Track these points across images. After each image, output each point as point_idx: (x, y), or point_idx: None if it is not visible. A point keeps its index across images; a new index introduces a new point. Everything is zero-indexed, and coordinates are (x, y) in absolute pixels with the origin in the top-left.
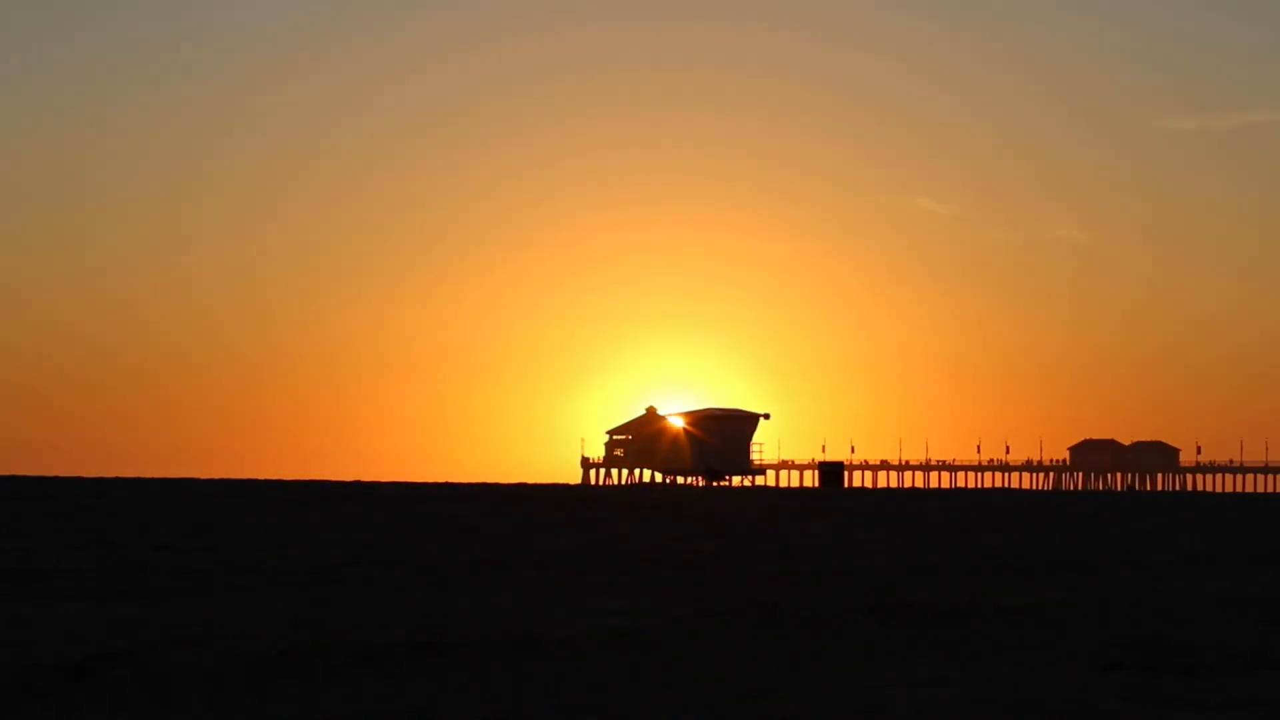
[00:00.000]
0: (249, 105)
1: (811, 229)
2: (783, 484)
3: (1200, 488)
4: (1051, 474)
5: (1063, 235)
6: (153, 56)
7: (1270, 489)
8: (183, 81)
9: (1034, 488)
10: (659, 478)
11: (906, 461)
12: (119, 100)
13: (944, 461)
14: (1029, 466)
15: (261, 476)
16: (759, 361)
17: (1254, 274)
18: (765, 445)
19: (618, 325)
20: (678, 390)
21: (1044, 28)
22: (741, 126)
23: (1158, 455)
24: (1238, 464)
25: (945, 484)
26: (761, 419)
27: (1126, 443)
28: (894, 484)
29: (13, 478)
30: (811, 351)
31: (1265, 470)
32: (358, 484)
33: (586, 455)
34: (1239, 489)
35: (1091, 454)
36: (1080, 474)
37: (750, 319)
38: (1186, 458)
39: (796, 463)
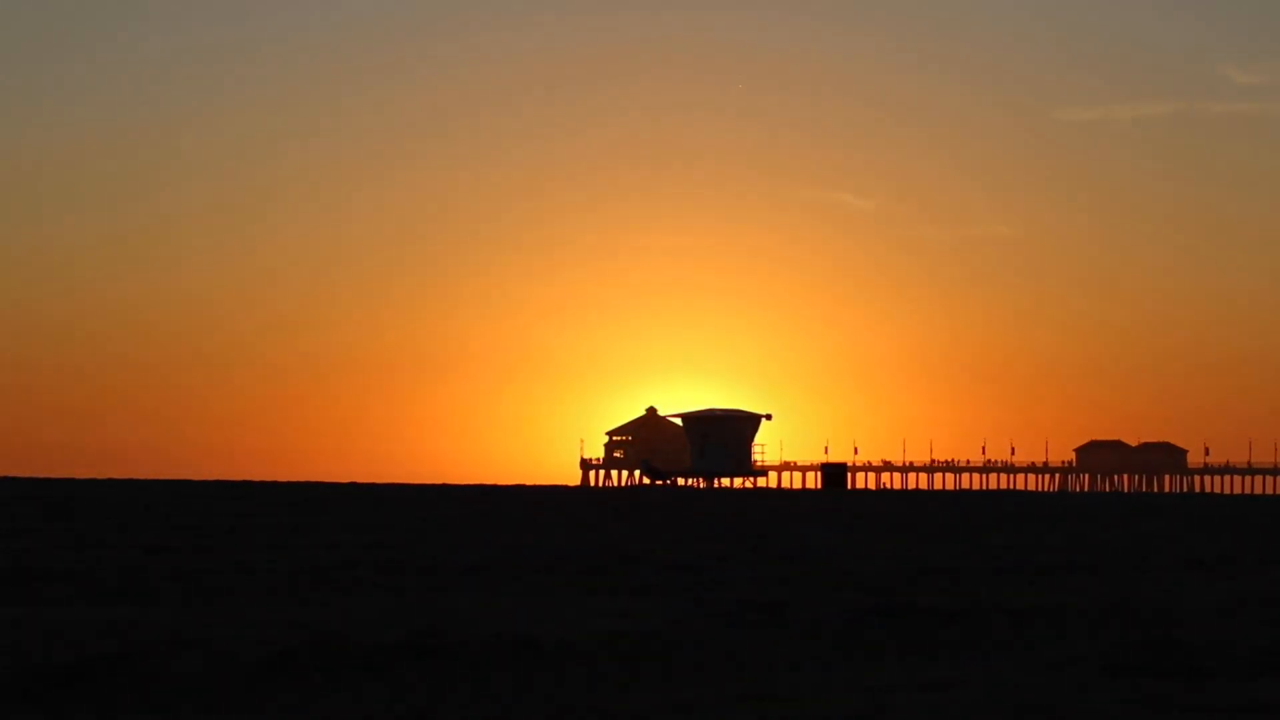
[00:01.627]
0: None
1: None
2: (785, 486)
3: (1208, 489)
4: (1057, 475)
5: (996, 232)
6: (195, 62)
7: None
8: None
9: (1039, 489)
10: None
11: (910, 463)
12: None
13: (948, 463)
14: (1034, 468)
15: (257, 478)
16: (760, 361)
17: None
18: (767, 446)
19: (618, 324)
20: (678, 390)
21: (952, 20)
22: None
23: (1165, 456)
24: (1247, 465)
25: (949, 486)
26: (763, 420)
27: (1133, 444)
28: (897, 485)
29: (5, 479)
30: (814, 352)
31: (1275, 472)
32: (354, 485)
33: (586, 456)
34: (1248, 490)
35: (1098, 455)
36: (1086, 475)
37: (752, 318)
38: (1194, 459)
39: (799, 464)
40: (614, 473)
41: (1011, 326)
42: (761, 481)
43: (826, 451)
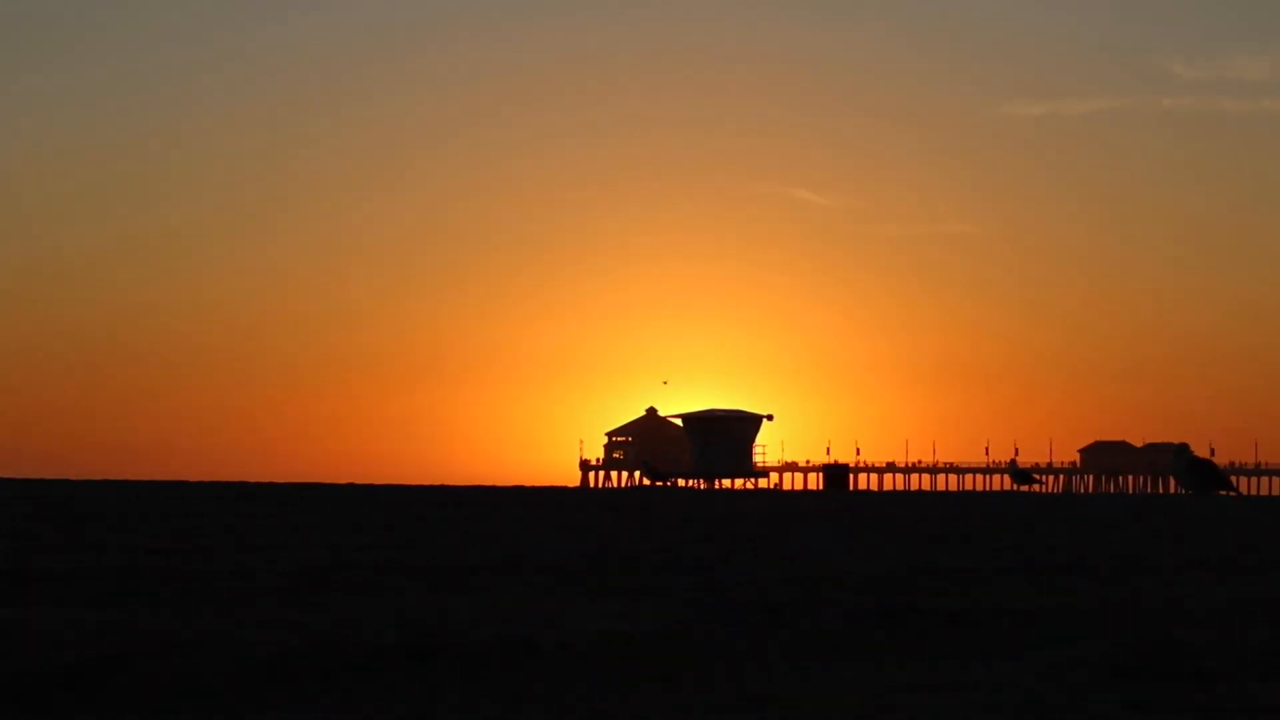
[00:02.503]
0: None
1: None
2: (786, 486)
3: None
4: (1062, 476)
5: (955, 228)
6: (226, 62)
7: None
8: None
9: (1044, 490)
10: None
11: (913, 463)
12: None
13: (951, 463)
14: (1038, 468)
15: (253, 478)
16: (762, 361)
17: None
18: (768, 447)
19: (617, 324)
20: (678, 390)
21: (902, 15)
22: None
23: (1171, 457)
24: (1253, 466)
25: (953, 486)
26: (764, 420)
27: (1139, 444)
28: (900, 486)
29: (0, 480)
30: (816, 351)
31: None
32: (351, 486)
33: (585, 457)
34: (1255, 491)
35: (1103, 456)
36: (1091, 476)
37: (754, 317)
38: None
39: (800, 465)
40: (614, 474)
41: (1015, 326)
42: (763, 482)
43: (828, 452)
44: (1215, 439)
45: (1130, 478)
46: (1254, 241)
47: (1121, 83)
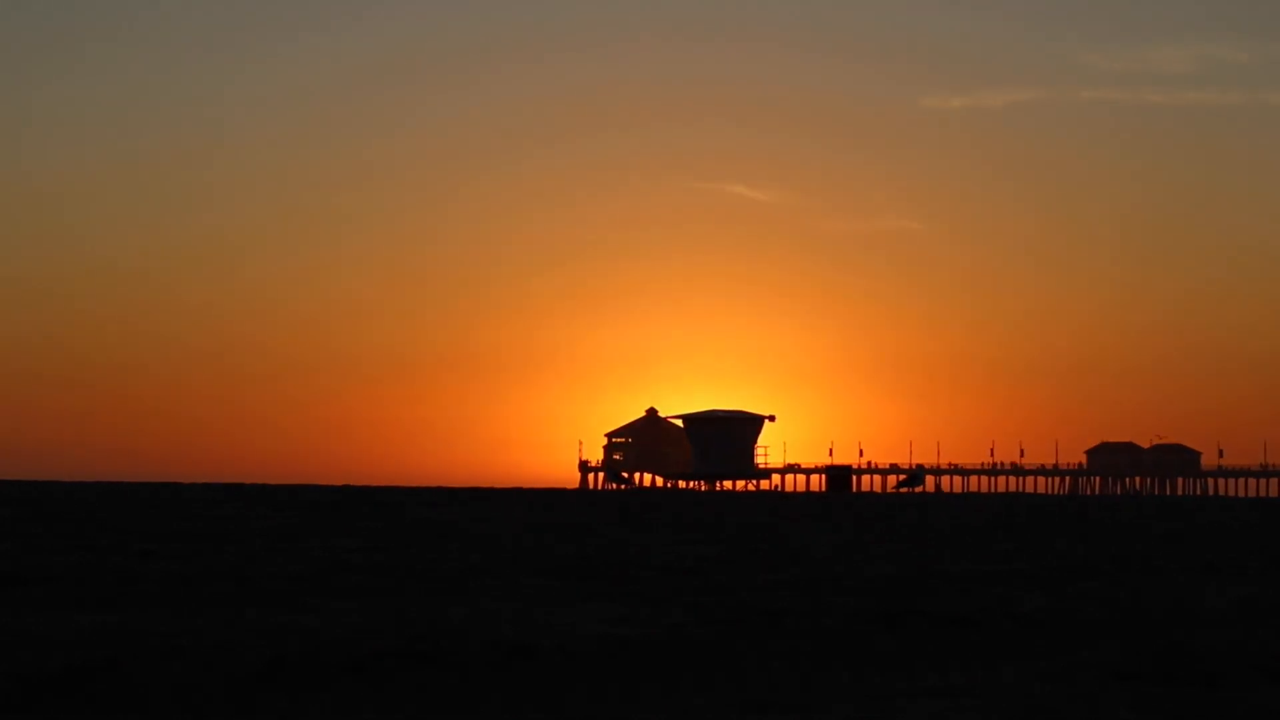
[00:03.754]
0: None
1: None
2: (788, 488)
3: (1222, 492)
4: (1067, 478)
5: (894, 224)
6: (270, 70)
7: None
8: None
9: (1049, 492)
10: (660, 481)
11: (918, 465)
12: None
13: (956, 465)
14: (1044, 470)
15: (247, 480)
16: (764, 361)
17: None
18: (770, 448)
19: (617, 323)
20: (679, 391)
21: (825, 12)
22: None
23: (1178, 458)
24: (1261, 467)
25: (957, 488)
26: (766, 421)
27: (1145, 445)
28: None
29: None
30: (818, 351)
31: None
32: (347, 488)
33: (585, 458)
34: (1263, 494)
35: (1109, 457)
36: (1097, 477)
37: (756, 316)
38: (1208, 461)
39: (803, 466)
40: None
41: (1021, 326)
42: (764, 484)
43: (831, 454)
44: (1222, 441)
45: (1137, 479)
46: (1198, 234)
47: (1040, 74)
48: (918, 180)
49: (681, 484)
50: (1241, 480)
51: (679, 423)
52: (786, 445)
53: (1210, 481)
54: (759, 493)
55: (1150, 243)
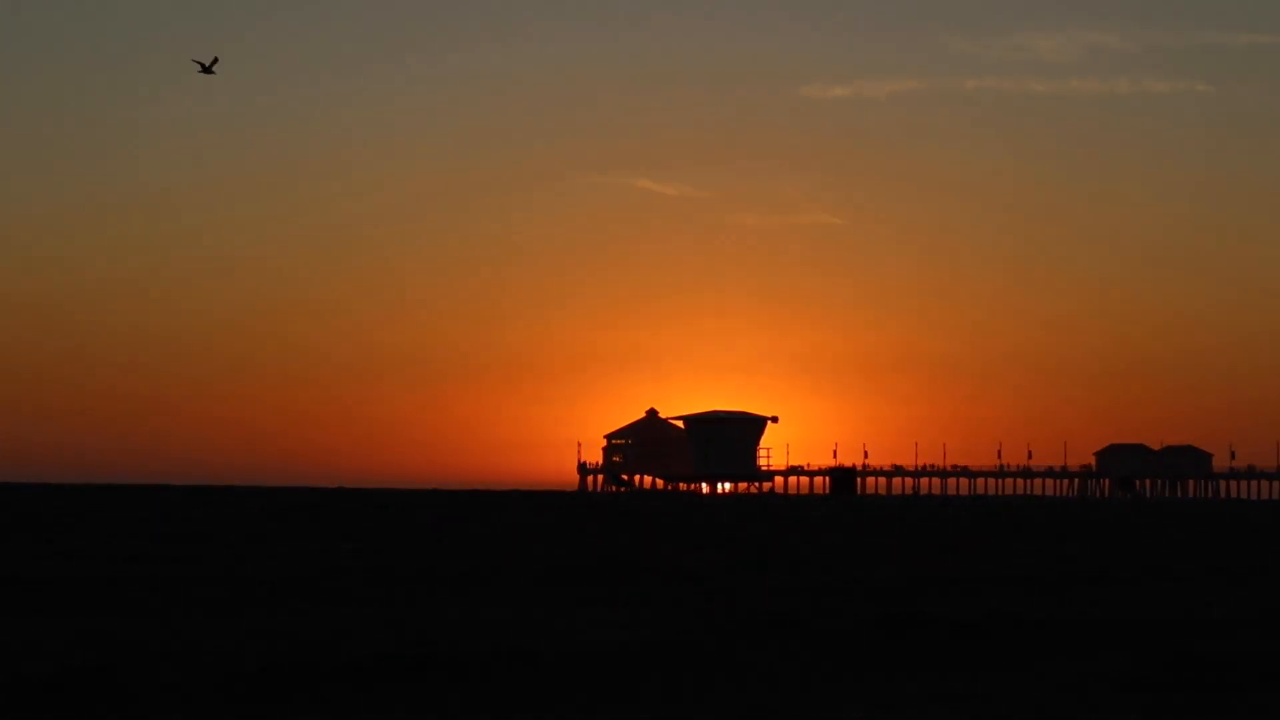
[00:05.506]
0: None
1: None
2: (792, 490)
3: (1234, 495)
4: (1076, 480)
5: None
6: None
7: None
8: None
9: (1058, 494)
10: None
11: (924, 466)
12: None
13: (962, 466)
14: (1053, 472)
15: (240, 482)
16: (766, 361)
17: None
18: (773, 450)
19: (616, 323)
20: (680, 391)
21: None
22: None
23: (1189, 460)
24: (1275, 469)
25: (964, 490)
26: (769, 422)
27: (1156, 447)
28: (909, 490)
29: None
30: (822, 351)
31: None
32: (341, 490)
33: (584, 460)
34: (1276, 496)
35: (1119, 458)
36: (1107, 480)
37: (757, 315)
38: (1220, 463)
39: (807, 468)
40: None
41: (1027, 326)
42: (766, 486)
43: (835, 455)
44: (1234, 442)
45: (1147, 481)
46: (1113, 228)
47: (920, 65)
48: (831, 174)
49: (682, 486)
50: (1255, 482)
51: (680, 424)
52: (789, 447)
53: (1222, 483)
54: (761, 494)
55: (1051, 235)
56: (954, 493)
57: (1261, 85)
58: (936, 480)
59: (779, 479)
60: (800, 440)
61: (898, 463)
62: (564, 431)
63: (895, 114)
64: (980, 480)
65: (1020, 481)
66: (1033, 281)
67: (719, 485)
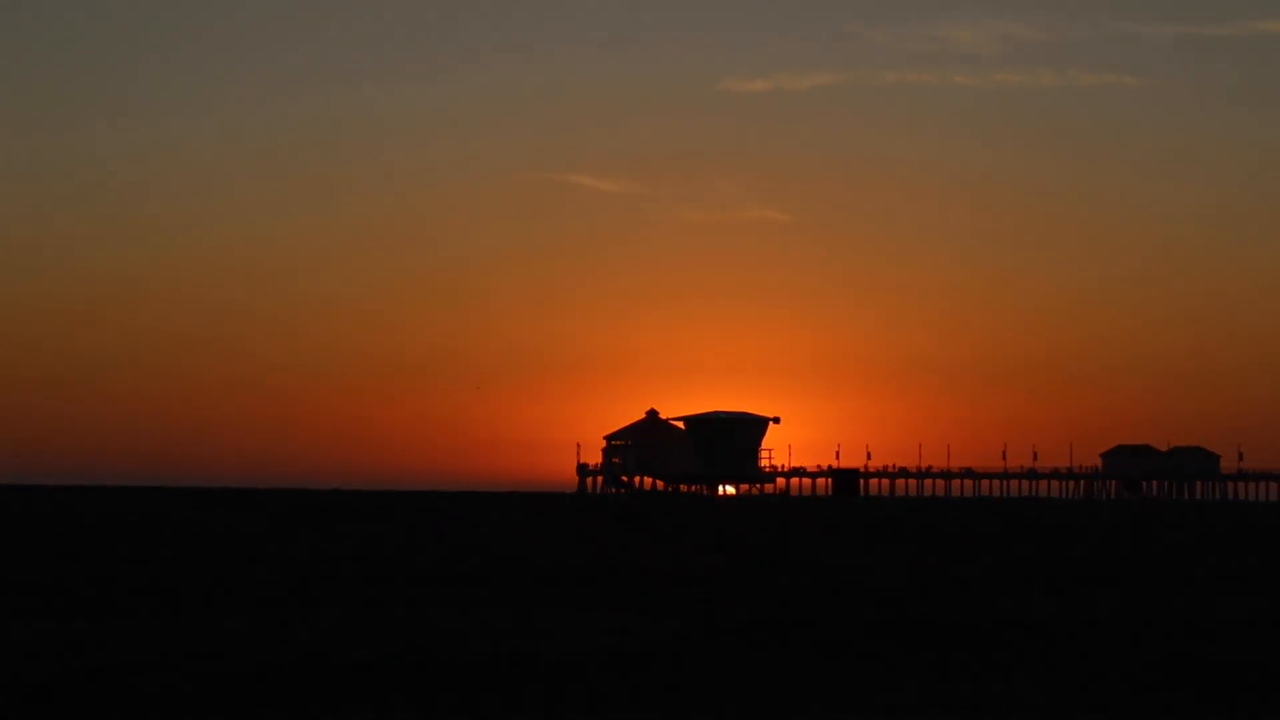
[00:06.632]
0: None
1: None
2: (794, 492)
3: (1243, 496)
4: (1082, 481)
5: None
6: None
7: None
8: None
9: (1064, 496)
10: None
11: (927, 467)
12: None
13: (967, 468)
14: (1058, 473)
15: (235, 484)
16: (768, 361)
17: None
18: (775, 451)
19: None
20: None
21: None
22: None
23: (1197, 461)
24: None
25: (968, 492)
26: (771, 423)
27: (1163, 448)
28: (913, 492)
29: None
30: (825, 351)
31: None
32: (337, 492)
33: (584, 461)
34: None
35: (1126, 460)
36: (1114, 481)
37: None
38: (1228, 464)
39: (809, 469)
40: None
41: (1033, 326)
42: (768, 488)
43: (838, 457)
44: (1243, 444)
45: (1154, 483)
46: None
47: (837, 57)
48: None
49: (683, 488)
50: (1263, 484)
51: (680, 424)
52: (792, 448)
53: (1230, 485)
54: (764, 496)
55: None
56: (958, 495)
57: (1190, 78)
58: (940, 482)
59: (781, 480)
60: (802, 442)
61: (901, 464)
62: (563, 432)
63: (816, 108)
64: (985, 482)
65: (1025, 483)
66: (1033, 282)
67: (720, 487)
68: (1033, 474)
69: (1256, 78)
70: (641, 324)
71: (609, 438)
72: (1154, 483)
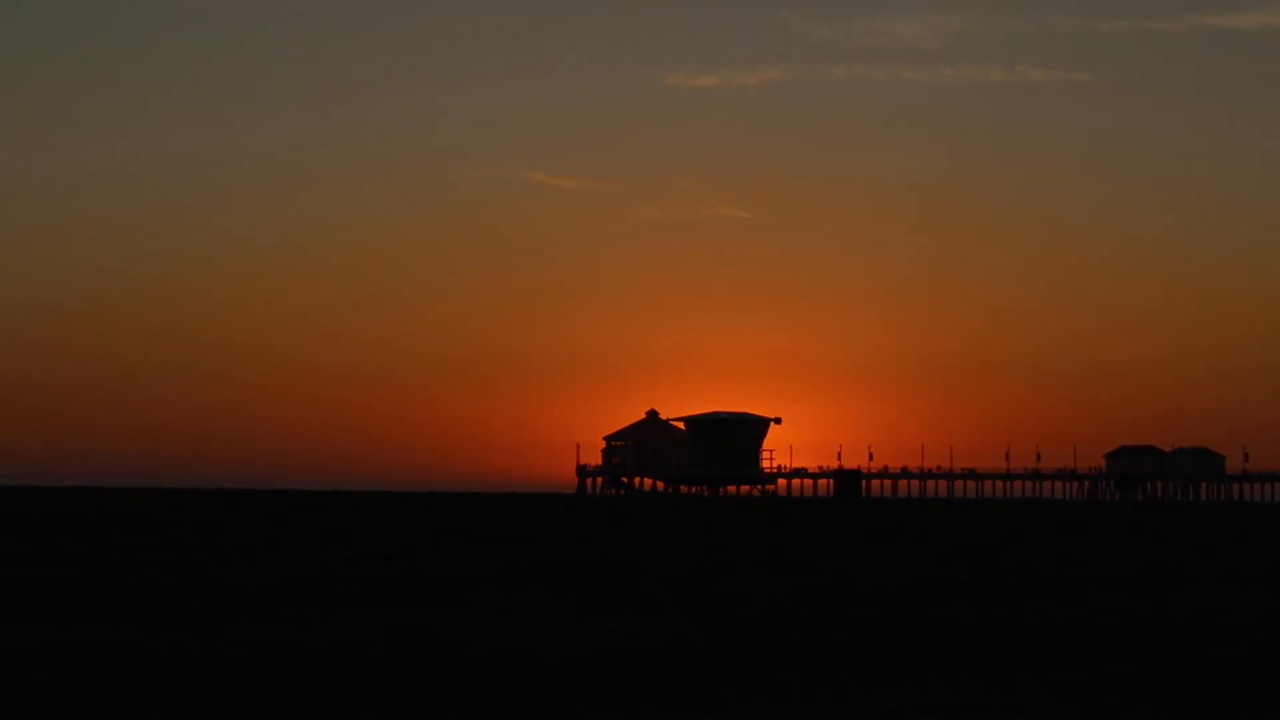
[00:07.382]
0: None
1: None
2: (795, 493)
3: (1248, 497)
4: (1086, 482)
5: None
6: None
7: None
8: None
9: (1067, 497)
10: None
11: (931, 468)
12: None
13: (970, 469)
14: (1062, 474)
15: (231, 484)
16: (770, 361)
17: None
18: (776, 452)
19: (616, 322)
20: (681, 392)
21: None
22: None
23: (1201, 462)
24: None
25: (971, 493)
26: (772, 423)
27: (1167, 449)
28: (915, 493)
29: None
30: (826, 351)
31: None
32: (335, 493)
33: (583, 462)
34: None
35: (1130, 461)
36: (1115, 482)
37: (759, 314)
38: (1233, 465)
39: (811, 470)
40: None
41: (1037, 326)
42: (770, 489)
43: (839, 457)
44: (1248, 444)
45: (1159, 484)
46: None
47: (782, 53)
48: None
49: (684, 489)
50: (1269, 485)
51: (681, 425)
52: (793, 449)
53: (1235, 486)
54: (765, 497)
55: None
56: (961, 495)
57: (1141, 73)
58: (943, 483)
59: (782, 481)
60: (804, 442)
61: (904, 465)
62: (563, 433)
63: (768, 103)
64: (988, 483)
65: (1029, 484)
66: (1035, 282)
67: (721, 488)
68: (1036, 475)
69: (1207, 72)
70: (642, 324)
71: (609, 438)
72: (1158, 483)
